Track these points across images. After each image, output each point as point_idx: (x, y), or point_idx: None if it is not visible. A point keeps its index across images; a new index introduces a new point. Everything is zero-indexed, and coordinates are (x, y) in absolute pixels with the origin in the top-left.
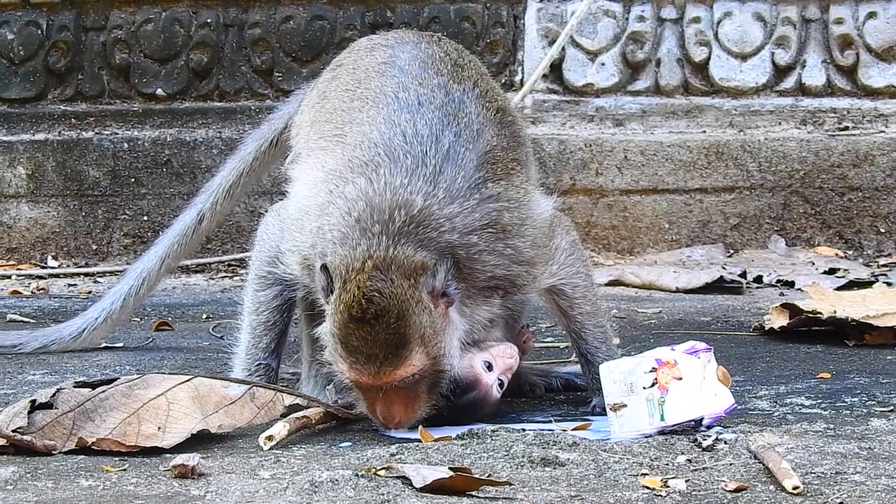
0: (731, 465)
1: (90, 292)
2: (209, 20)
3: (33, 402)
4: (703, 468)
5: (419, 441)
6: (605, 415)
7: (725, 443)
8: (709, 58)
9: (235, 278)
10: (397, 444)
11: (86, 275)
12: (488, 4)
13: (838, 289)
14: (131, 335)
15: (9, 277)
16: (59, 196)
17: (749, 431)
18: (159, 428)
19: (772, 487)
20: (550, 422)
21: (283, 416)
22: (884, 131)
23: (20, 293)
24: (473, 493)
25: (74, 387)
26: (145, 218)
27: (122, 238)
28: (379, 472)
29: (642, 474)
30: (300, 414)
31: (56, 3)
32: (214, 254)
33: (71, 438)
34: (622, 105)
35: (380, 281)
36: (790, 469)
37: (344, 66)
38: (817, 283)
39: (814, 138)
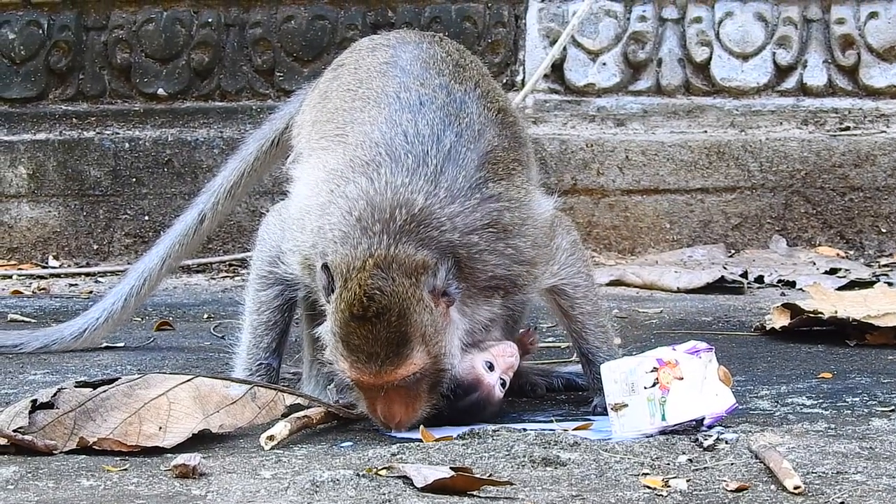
0: (732, 464)
1: (91, 292)
2: (210, 20)
3: (34, 401)
4: (705, 468)
5: (420, 441)
6: (607, 415)
7: (727, 442)
8: (710, 58)
9: (237, 278)
10: (398, 444)
11: (87, 275)
12: (490, 4)
13: (839, 289)
14: (132, 335)
15: (10, 277)
16: (60, 196)
17: (750, 431)
18: (160, 428)
19: (773, 487)
20: (552, 421)
21: (285, 415)
22: (885, 131)
23: (21, 293)
24: (474, 492)
25: (75, 386)
26: (146, 218)
27: (123, 238)
28: (380, 472)
29: (643, 474)
30: (301, 414)
31: (57, 2)
32: (216, 254)
33: (72, 438)
34: (623, 105)
35: (381, 279)
36: (791, 469)
37: (345, 65)
38: (818, 283)
39: (815, 138)
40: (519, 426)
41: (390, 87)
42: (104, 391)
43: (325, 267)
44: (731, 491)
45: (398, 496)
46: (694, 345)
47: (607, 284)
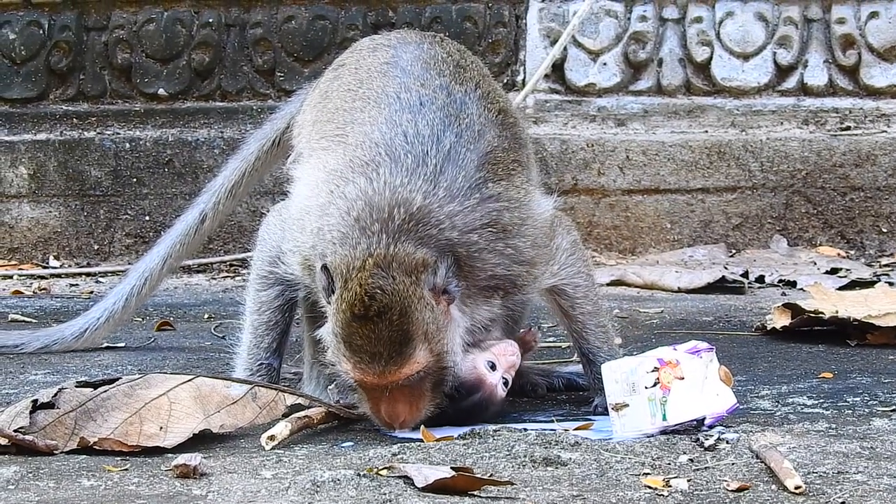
0: (733, 464)
1: (92, 292)
2: (211, 20)
3: (35, 401)
4: (705, 468)
5: (421, 441)
6: (607, 414)
7: (727, 442)
8: (711, 58)
9: (237, 278)
10: (399, 444)
11: (87, 275)
12: (490, 4)
13: (840, 288)
14: (133, 335)
15: (10, 277)
16: (60, 196)
17: (751, 431)
18: (161, 428)
19: (774, 487)
20: (552, 421)
21: (285, 415)
22: (886, 131)
23: (22, 293)
24: (475, 492)
25: (76, 386)
26: (147, 218)
27: (123, 238)
28: (381, 472)
29: (644, 474)
30: (302, 414)
31: (58, 2)
32: (216, 254)
33: (73, 438)
34: (624, 105)
35: (381, 278)
36: (792, 469)
37: (346, 65)
38: (819, 283)
39: (816, 138)
40: (520, 426)
41: (391, 88)
42: (105, 391)
43: (325, 268)
44: (732, 491)
45: (399, 496)
46: (695, 345)
47: (608, 284)
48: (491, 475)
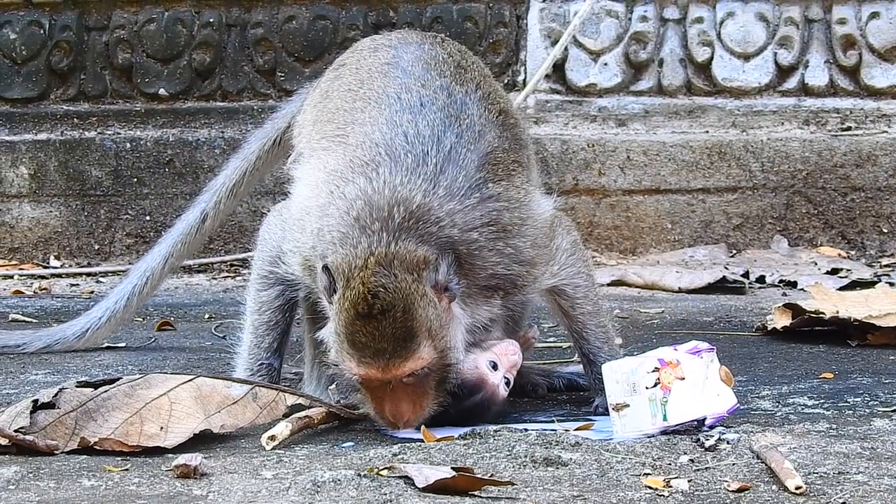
0: (733, 465)
1: (92, 292)
2: (212, 20)
3: (35, 401)
4: (706, 468)
5: (422, 441)
6: (608, 415)
7: (728, 443)
8: (711, 58)
9: (238, 278)
10: (400, 444)
11: (88, 275)
12: (491, 4)
13: (841, 289)
14: (134, 335)
15: (11, 277)
16: (61, 196)
17: (752, 431)
18: (161, 428)
19: (774, 487)
20: (553, 422)
21: (286, 415)
22: (886, 131)
23: (22, 293)
24: (476, 492)
25: (77, 386)
26: (147, 218)
27: (124, 238)
28: (381, 472)
29: (645, 474)
30: (302, 414)
31: (58, 2)
32: (217, 254)
33: (73, 438)
34: (625, 105)
35: (383, 276)
36: (793, 469)
37: (347, 65)
38: (820, 284)
39: (816, 138)
40: (520, 426)
41: (391, 88)
42: (105, 391)
43: (326, 268)
44: (732, 491)
45: (399, 496)
46: (695, 345)
47: (608, 284)
48: (491, 475)
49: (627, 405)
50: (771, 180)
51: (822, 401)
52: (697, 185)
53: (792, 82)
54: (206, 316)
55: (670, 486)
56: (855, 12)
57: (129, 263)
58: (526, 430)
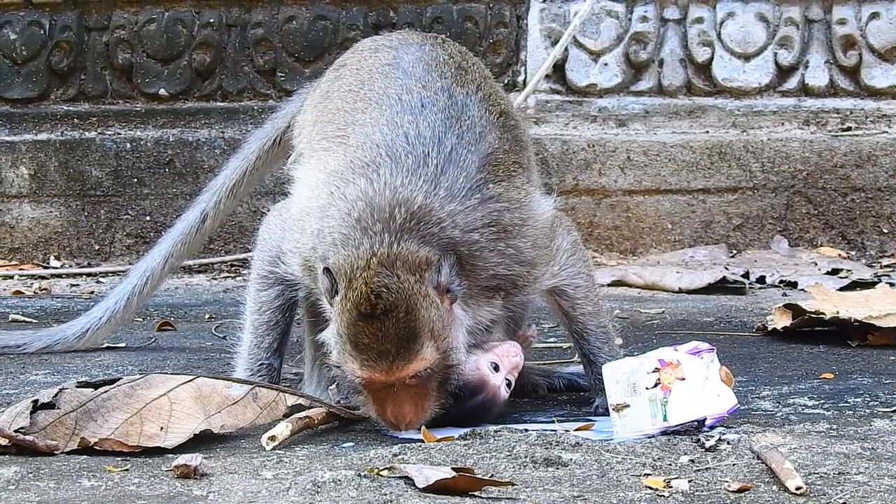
0: (733, 465)
1: (92, 292)
2: (212, 20)
3: (36, 402)
4: (706, 468)
5: (422, 441)
6: (608, 415)
7: (728, 443)
8: (712, 58)
9: (238, 278)
10: (400, 445)
11: (88, 275)
12: (491, 5)
13: (841, 289)
14: (134, 335)
15: (11, 278)
16: (61, 196)
17: (752, 432)
18: (162, 428)
19: (775, 488)
20: (553, 422)
21: (286, 416)
22: (887, 132)
23: (22, 293)
24: (476, 493)
25: (77, 387)
26: (148, 218)
27: (124, 238)
28: (381, 473)
29: (645, 475)
30: (303, 414)
31: (58, 3)
32: (217, 254)
33: (73, 438)
34: (625, 105)
35: (386, 277)
36: (793, 469)
37: (347, 66)
38: (820, 284)
39: (817, 139)
40: (520, 426)
41: (392, 89)
42: (105, 391)
43: (327, 270)
44: (732, 491)
45: (400, 496)
46: (696, 345)
47: (609, 285)
48: (492, 476)
49: (628, 405)
50: (771, 180)
51: (822, 401)
52: (698, 186)
53: (792, 82)
54: (207, 316)
55: (670, 487)
56: (855, 12)
57: (130, 264)
58: (526, 430)
